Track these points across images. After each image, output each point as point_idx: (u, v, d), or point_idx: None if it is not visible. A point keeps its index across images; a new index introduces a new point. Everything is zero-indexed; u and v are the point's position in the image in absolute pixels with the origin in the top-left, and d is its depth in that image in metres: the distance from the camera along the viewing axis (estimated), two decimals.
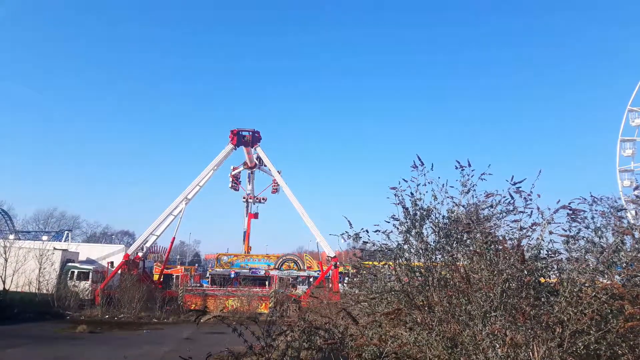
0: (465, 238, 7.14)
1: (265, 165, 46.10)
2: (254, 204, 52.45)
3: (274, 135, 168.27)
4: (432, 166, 7.76)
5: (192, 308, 34.42)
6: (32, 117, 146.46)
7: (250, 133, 41.88)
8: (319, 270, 43.67)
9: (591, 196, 6.62)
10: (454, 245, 7.29)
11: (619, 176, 61.76)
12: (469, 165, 7.54)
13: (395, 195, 7.80)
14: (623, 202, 6.69)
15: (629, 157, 61.87)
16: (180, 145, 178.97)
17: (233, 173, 49.96)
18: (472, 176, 7.51)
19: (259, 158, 44.90)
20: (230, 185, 50.68)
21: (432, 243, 7.51)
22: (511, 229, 6.87)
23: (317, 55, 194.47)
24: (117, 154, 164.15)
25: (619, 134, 62.55)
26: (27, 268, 34.07)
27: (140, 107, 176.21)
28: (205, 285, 45.21)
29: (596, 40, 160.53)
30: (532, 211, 6.72)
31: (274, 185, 50.05)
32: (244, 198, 52.54)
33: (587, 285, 5.64)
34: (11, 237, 48.33)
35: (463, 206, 7.52)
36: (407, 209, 7.68)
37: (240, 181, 51.56)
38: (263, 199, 52.77)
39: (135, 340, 22.43)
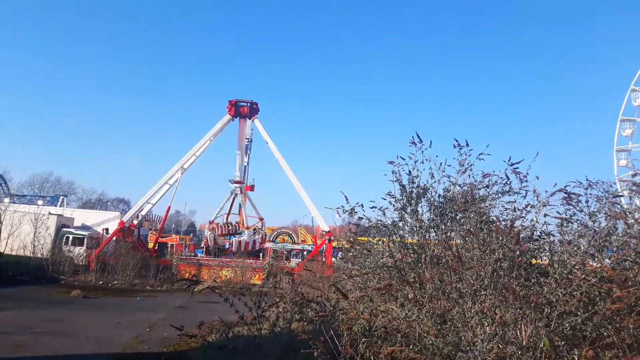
0: (459, 217, 7.17)
1: (253, 207, 46.87)
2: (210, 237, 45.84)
3: (273, 106, 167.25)
4: (431, 143, 7.73)
5: (185, 277, 34.74)
6: (29, 81, 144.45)
7: (248, 104, 41.59)
8: (313, 244, 44.03)
9: (587, 180, 6.64)
10: (448, 223, 7.33)
11: (616, 155, 61.75)
12: (467, 145, 7.52)
13: (392, 172, 7.80)
14: (618, 185, 6.73)
15: (628, 137, 61.62)
16: (178, 115, 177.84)
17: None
18: (469, 155, 7.50)
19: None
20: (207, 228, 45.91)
21: (426, 221, 7.54)
22: (506, 210, 6.91)
23: (320, 37, 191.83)
24: (114, 120, 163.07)
25: (620, 113, 62.28)
26: (22, 232, 34.13)
27: (138, 74, 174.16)
28: (199, 255, 45.54)
29: (600, 20, 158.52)
30: (527, 192, 6.76)
31: (240, 242, 45.42)
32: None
33: (577, 267, 5.71)
34: (6, 200, 48.28)
35: (459, 185, 7.53)
36: (403, 186, 7.69)
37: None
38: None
39: (128, 307, 22.71)
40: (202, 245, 48.85)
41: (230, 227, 47.10)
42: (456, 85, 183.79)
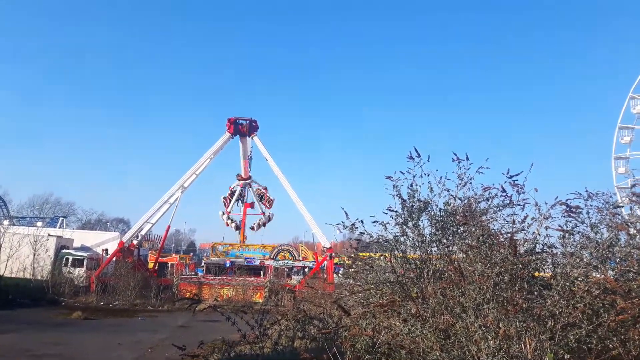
0: (461, 231, 7.16)
1: (257, 184, 48.16)
2: (229, 225, 49.73)
3: (272, 123, 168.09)
4: (429, 158, 7.77)
5: (186, 296, 34.47)
6: (28, 102, 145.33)
7: (248, 122, 41.75)
8: (314, 261, 43.82)
9: (587, 191, 6.66)
10: (450, 237, 7.32)
11: (614, 163, 61.81)
12: (467, 158, 7.55)
13: (393, 186, 7.82)
14: (617, 193, 6.74)
15: (626, 145, 61.64)
16: (177, 133, 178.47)
17: (229, 192, 48.84)
18: (468, 169, 7.53)
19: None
20: (221, 213, 48.92)
21: (428, 235, 7.53)
22: (507, 223, 6.91)
23: (317, 46, 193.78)
24: (113, 140, 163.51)
25: (618, 121, 62.35)
26: (22, 254, 33.99)
27: (137, 93, 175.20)
28: (200, 274, 45.31)
29: (598, 29, 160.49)
30: (524, 204, 6.77)
31: (260, 222, 49.44)
32: (222, 214, 49.49)
33: (580, 279, 5.69)
34: (6, 222, 48.26)
35: (460, 199, 7.54)
36: (404, 200, 7.70)
37: (231, 200, 49.78)
38: (237, 227, 50.22)
39: (129, 328, 22.50)
40: (203, 264, 48.79)
41: (237, 189, 49.23)
42: (452, 95, 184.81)
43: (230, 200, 49.11)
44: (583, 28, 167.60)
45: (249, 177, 47.86)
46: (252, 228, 49.83)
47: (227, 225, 49.10)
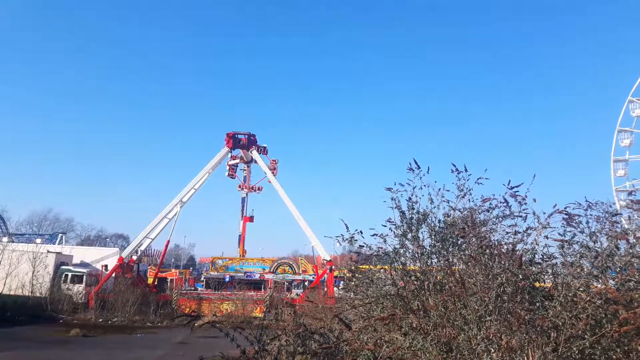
0: (461, 242, 7.13)
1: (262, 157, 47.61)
2: (251, 191, 51.93)
3: (272, 135, 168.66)
4: (429, 169, 7.76)
5: (186, 312, 34.25)
6: (27, 119, 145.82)
7: (246, 136, 42.00)
8: (314, 274, 43.63)
9: (586, 201, 6.64)
10: (450, 249, 7.28)
11: (613, 166, 62.12)
12: (466, 170, 7.54)
13: (392, 199, 7.79)
14: (616, 199, 6.70)
15: (625, 148, 61.99)
16: (176, 148, 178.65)
17: (230, 163, 49.60)
18: (468, 180, 7.52)
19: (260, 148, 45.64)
20: (227, 174, 50.20)
21: (428, 247, 7.50)
22: (507, 234, 6.88)
23: (317, 56, 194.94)
24: (112, 156, 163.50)
25: (617, 124, 62.82)
26: (21, 271, 33.84)
27: (135, 108, 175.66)
28: (199, 289, 45.09)
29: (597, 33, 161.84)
30: (526, 215, 6.74)
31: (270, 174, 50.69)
32: (239, 187, 51.94)
33: (581, 289, 5.65)
34: (4, 239, 48.05)
35: (459, 210, 7.52)
36: (403, 212, 7.67)
37: (236, 171, 51.38)
38: (259, 188, 52.26)
39: (128, 345, 22.32)
40: (202, 278, 48.55)
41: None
42: (452, 102, 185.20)
43: (234, 175, 50.14)
44: (582, 31, 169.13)
45: (252, 159, 47.95)
46: (269, 182, 51.20)
47: (250, 191, 50.86)
